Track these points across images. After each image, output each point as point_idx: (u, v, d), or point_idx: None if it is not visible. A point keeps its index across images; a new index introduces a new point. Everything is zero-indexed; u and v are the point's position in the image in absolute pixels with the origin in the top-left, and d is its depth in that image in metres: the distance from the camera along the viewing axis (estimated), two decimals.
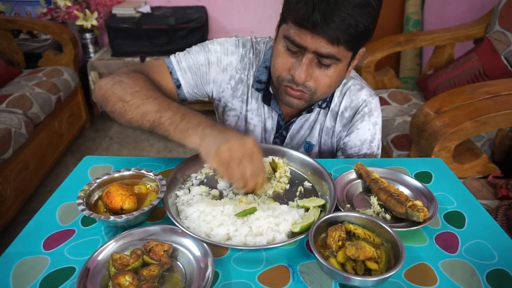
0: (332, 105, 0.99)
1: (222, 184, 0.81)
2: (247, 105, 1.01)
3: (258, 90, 0.98)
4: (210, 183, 0.82)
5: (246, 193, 0.77)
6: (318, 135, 1.02)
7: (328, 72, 0.80)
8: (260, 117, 1.01)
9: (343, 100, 0.98)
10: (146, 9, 2.78)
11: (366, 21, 0.72)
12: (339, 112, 0.99)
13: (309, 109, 0.97)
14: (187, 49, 0.97)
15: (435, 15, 2.79)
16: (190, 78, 0.95)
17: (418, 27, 2.86)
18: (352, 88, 0.98)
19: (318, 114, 1.00)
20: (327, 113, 0.99)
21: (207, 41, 0.98)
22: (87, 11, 2.73)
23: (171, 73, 0.94)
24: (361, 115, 0.97)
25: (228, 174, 0.67)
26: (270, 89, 0.96)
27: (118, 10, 2.75)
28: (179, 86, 0.95)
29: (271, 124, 1.02)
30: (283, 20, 0.80)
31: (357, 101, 0.98)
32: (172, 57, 0.95)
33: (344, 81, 0.98)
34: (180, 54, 0.96)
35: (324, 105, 0.98)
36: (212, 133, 0.69)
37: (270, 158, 0.87)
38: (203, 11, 2.84)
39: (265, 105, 0.99)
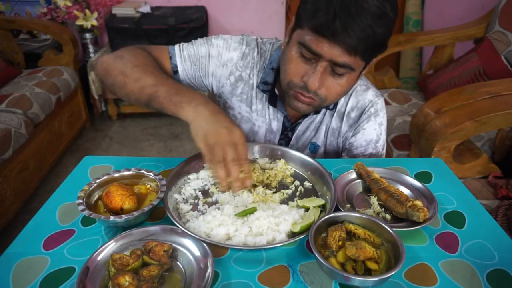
0: (339, 106, 0.99)
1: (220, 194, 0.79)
2: (251, 106, 1.00)
3: (264, 91, 0.98)
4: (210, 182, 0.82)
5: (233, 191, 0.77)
6: (323, 136, 1.02)
7: (340, 81, 0.80)
8: (265, 118, 1.01)
9: (349, 101, 0.99)
10: (146, 9, 2.78)
11: (383, 32, 0.71)
12: (346, 113, 0.99)
13: (316, 111, 0.97)
14: (192, 40, 0.99)
15: (435, 15, 2.79)
16: (189, 67, 0.96)
17: (418, 27, 2.86)
18: (358, 89, 0.98)
19: (324, 115, 1.00)
20: (333, 114, 0.99)
21: (212, 36, 0.99)
22: (87, 11, 2.73)
23: (170, 58, 0.95)
24: (367, 115, 0.98)
25: (210, 156, 0.69)
26: (276, 90, 0.96)
27: (118, 10, 2.75)
28: (175, 72, 0.96)
29: (276, 125, 1.01)
30: (298, 25, 0.78)
31: (363, 102, 0.98)
32: (176, 46, 0.97)
33: None
34: (184, 44, 0.97)
35: (331, 107, 0.98)
36: (204, 113, 0.71)
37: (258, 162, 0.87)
38: (203, 11, 2.84)
39: (270, 106, 0.99)
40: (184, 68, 0.96)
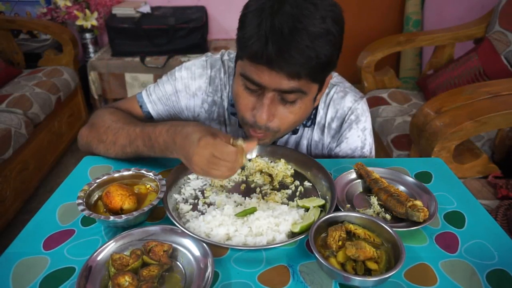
0: (318, 118, 0.95)
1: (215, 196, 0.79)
2: (226, 126, 0.98)
3: (233, 114, 0.95)
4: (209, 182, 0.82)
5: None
6: (306, 150, 0.99)
7: (293, 109, 0.74)
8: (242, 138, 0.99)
9: (328, 112, 0.94)
10: (146, 9, 2.78)
11: (327, 51, 0.66)
12: (326, 124, 0.95)
13: (294, 130, 0.93)
14: (158, 80, 0.98)
15: (435, 15, 2.79)
16: (162, 109, 0.96)
17: (418, 27, 2.86)
18: (335, 97, 0.93)
19: (303, 131, 0.96)
20: (314, 127, 0.96)
21: (175, 68, 0.97)
22: (87, 11, 2.73)
23: (141, 106, 0.96)
24: (348, 123, 0.94)
25: (213, 177, 0.70)
26: None
27: (118, 10, 2.74)
28: (150, 118, 0.96)
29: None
30: (238, 56, 0.74)
31: (342, 110, 0.93)
32: (143, 91, 0.97)
33: (326, 90, 0.94)
34: (151, 87, 0.97)
35: (309, 123, 0.95)
36: (178, 152, 0.71)
37: (263, 160, 0.87)
38: (203, 11, 2.84)
39: None
40: (157, 112, 0.96)
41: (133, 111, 0.96)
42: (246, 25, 0.68)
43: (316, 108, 0.94)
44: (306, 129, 0.96)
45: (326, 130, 0.96)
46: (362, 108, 0.94)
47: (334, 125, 0.95)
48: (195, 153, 0.67)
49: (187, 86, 0.94)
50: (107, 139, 0.83)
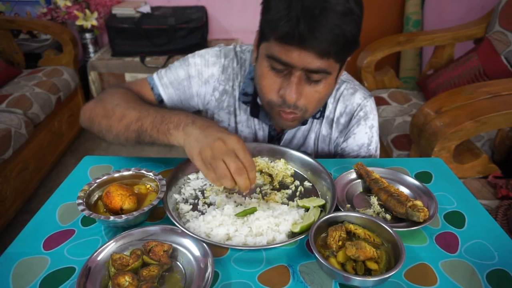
0: (327, 113, 0.97)
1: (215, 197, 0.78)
2: (235, 117, 0.98)
3: (245, 103, 0.95)
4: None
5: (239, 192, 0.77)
6: (313, 144, 1.00)
7: (318, 88, 0.77)
8: (251, 128, 0.99)
9: (337, 106, 0.96)
10: (146, 9, 2.78)
11: (352, 29, 0.68)
12: (335, 119, 0.97)
13: (303, 121, 0.94)
14: (170, 65, 0.97)
15: (435, 15, 2.79)
16: (173, 93, 0.95)
17: (418, 27, 2.86)
18: (345, 93, 0.96)
19: (312, 123, 0.98)
20: (322, 121, 0.97)
21: (188, 55, 0.97)
22: (87, 11, 2.73)
23: (152, 89, 0.95)
24: (356, 119, 0.95)
25: (211, 174, 0.65)
26: (258, 100, 0.93)
27: (118, 10, 2.74)
28: (161, 101, 0.96)
29: (262, 135, 1.00)
30: (263, 38, 0.75)
31: (351, 106, 0.96)
32: (155, 74, 0.96)
33: (337, 86, 0.96)
34: (162, 71, 0.96)
35: (318, 115, 0.96)
36: (194, 132, 0.68)
37: (263, 160, 0.87)
38: (203, 11, 2.84)
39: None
40: (168, 95, 0.95)
41: (144, 93, 0.94)
42: (272, 8, 0.69)
43: (325, 102, 0.95)
44: (315, 121, 0.97)
45: (334, 125, 0.97)
46: (371, 106, 0.96)
47: (343, 120, 0.97)
48: (223, 138, 0.65)
49: (200, 72, 0.95)
50: (114, 115, 0.78)
